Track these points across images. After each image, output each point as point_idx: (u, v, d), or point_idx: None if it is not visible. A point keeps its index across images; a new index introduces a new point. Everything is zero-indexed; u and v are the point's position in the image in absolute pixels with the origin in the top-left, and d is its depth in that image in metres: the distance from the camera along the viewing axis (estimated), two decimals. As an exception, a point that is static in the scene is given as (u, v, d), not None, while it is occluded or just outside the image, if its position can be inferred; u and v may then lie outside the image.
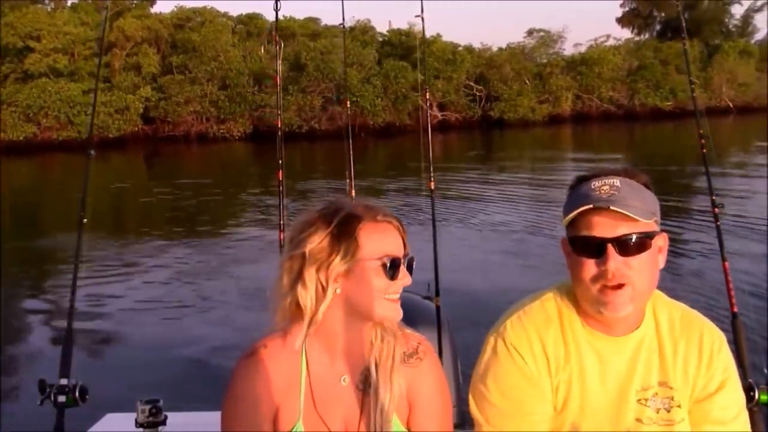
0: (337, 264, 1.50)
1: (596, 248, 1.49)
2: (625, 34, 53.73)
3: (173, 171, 24.07)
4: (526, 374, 1.58)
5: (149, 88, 32.11)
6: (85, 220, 2.95)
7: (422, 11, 4.17)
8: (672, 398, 1.59)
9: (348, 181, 4.14)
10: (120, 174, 20.61)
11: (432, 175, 3.67)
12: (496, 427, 1.58)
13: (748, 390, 2.53)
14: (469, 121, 36.65)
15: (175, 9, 36.09)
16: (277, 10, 3.55)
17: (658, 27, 54.35)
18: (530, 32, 41.35)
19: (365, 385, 1.57)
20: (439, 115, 35.85)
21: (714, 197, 3.37)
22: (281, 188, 3.37)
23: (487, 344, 1.65)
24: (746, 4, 57.43)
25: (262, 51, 35.69)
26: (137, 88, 31.69)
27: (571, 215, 1.51)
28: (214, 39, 33.70)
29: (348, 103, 5.40)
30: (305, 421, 1.54)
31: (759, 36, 51.92)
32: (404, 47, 36.85)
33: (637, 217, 1.47)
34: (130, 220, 15.15)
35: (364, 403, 1.57)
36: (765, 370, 2.74)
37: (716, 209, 3.33)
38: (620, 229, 1.48)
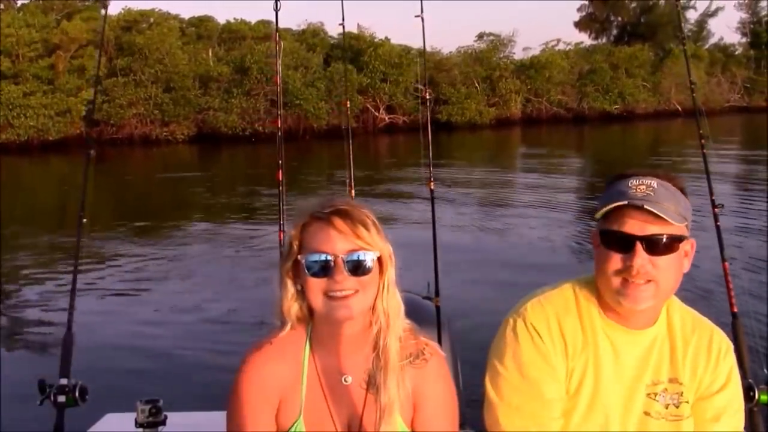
0: (286, 261, 1.56)
1: (625, 244, 1.55)
2: (581, 38, 54.35)
3: (127, 172, 23.81)
4: (543, 354, 1.62)
5: (92, 91, 31.91)
6: (85, 220, 2.95)
7: (422, 11, 4.36)
8: (681, 394, 1.64)
9: (348, 180, 4.27)
10: (67, 176, 20.03)
11: (431, 175, 3.77)
12: (511, 404, 1.62)
13: (748, 390, 2.56)
14: (417, 123, 36.66)
15: (122, 11, 35.85)
16: (277, 10, 3.63)
17: (615, 31, 55.02)
18: (480, 36, 41.59)
19: (369, 385, 1.57)
20: (386, 118, 36.05)
21: (713, 197, 3.36)
22: (281, 188, 3.41)
23: (505, 325, 1.68)
24: (701, 9, 58.19)
25: (210, 53, 35.60)
26: (80, 90, 31.47)
27: (606, 209, 1.57)
28: (159, 41, 33.55)
29: (348, 103, 5.47)
30: (306, 419, 1.56)
31: (713, 40, 52.82)
32: (353, 50, 36.90)
33: (669, 219, 1.52)
34: (120, 220, 14.75)
35: (366, 402, 1.57)
36: (765, 370, 2.78)
37: (716, 209, 3.32)
38: (650, 229, 1.53)
